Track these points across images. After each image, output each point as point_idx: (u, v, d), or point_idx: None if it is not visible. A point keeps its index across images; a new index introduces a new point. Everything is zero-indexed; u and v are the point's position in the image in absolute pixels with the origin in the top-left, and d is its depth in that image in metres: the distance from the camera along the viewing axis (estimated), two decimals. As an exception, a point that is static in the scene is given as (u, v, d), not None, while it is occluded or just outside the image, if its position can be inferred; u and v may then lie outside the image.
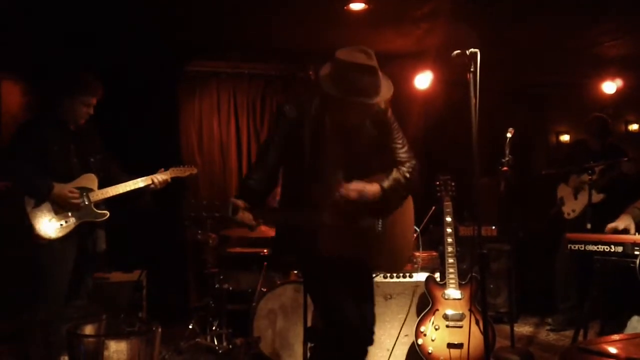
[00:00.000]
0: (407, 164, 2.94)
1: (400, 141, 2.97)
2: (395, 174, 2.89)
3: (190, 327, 4.62)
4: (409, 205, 3.09)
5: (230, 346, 4.39)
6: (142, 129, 5.63)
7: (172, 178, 4.11)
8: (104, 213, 3.87)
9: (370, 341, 2.93)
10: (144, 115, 5.68)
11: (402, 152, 2.95)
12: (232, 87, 6.36)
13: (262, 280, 4.60)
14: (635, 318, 3.63)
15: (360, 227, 2.90)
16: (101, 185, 3.89)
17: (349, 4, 4.75)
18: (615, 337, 2.02)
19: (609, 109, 6.36)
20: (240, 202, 2.73)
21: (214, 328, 4.57)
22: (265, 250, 4.94)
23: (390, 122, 2.96)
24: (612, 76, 6.48)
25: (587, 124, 5.55)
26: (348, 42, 5.79)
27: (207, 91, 6.30)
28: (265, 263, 4.70)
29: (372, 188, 2.81)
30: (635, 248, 3.44)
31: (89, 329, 2.85)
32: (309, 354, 3.56)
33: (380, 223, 2.95)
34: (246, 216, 2.77)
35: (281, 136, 2.84)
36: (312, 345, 3.48)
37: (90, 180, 3.86)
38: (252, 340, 4.16)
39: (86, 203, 3.80)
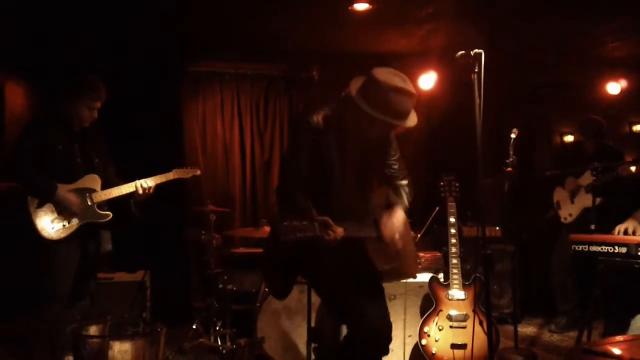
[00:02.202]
0: (406, 181, 3.12)
1: (398, 158, 3.12)
2: (404, 193, 3.09)
3: (194, 327, 4.62)
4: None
5: (234, 346, 4.39)
6: (146, 131, 5.63)
7: (175, 179, 4.11)
8: (107, 214, 3.87)
9: (387, 350, 2.92)
10: (147, 117, 5.68)
11: (400, 169, 3.12)
12: (236, 88, 6.37)
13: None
14: (639, 318, 3.62)
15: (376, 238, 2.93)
16: (103, 187, 3.89)
17: (353, 4, 4.75)
18: (619, 338, 2.01)
19: (612, 110, 6.35)
20: (327, 219, 2.67)
21: (217, 328, 4.58)
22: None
23: (393, 140, 3.09)
24: (616, 77, 6.47)
25: (581, 126, 5.54)
26: (352, 42, 5.85)
27: (210, 92, 6.31)
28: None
29: (402, 217, 2.97)
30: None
31: (93, 330, 2.85)
32: (312, 355, 3.56)
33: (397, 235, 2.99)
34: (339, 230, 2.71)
35: (306, 147, 2.81)
36: (316, 346, 3.48)
37: (93, 181, 3.87)
38: (256, 340, 4.15)
39: (89, 204, 3.80)
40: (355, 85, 2.80)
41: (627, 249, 3.50)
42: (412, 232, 4.77)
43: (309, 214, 2.62)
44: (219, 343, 4.49)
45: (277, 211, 3.01)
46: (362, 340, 2.77)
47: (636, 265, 3.42)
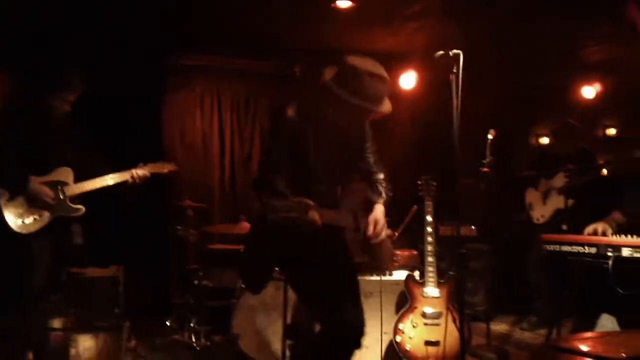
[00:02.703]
0: (382, 175, 3.13)
1: (374, 152, 3.16)
2: (381, 188, 3.09)
3: (168, 323, 4.60)
4: None
5: (209, 343, 4.39)
6: (124, 123, 5.59)
7: (153, 174, 4.08)
8: (79, 208, 3.82)
9: (360, 344, 2.95)
10: (126, 109, 5.64)
11: (377, 163, 3.15)
12: (217, 83, 6.35)
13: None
14: (604, 316, 3.71)
15: (353, 229, 2.97)
16: (79, 180, 3.84)
17: (335, 1, 4.76)
18: (586, 334, 2.07)
19: (587, 114, 6.45)
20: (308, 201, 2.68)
21: (192, 325, 4.56)
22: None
23: (369, 133, 3.12)
24: (593, 81, 6.56)
25: (557, 129, 5.63)
26: (336, 40, 5.84)
27: (191, 86, 6.29)
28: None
29: (383, 214, 2.99)
30: (609, 249, 3.51)
31: (57, 323, 2.84)
32: (288, 352, 3.59)
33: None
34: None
35: (283, 138, 2.84)
36: (292, 342, 3.50)
37: (66, 173, 3.81)
38: (231, 337, 4.15)
39: (61, 197, 3.74)
40: (329, 73, 2.82)
41: (597, 249, 3.57)
42: (388, 230, 4.84)
43: (290, 197, 2.66)
44: (194, 340, 4.48)
45: (256, 204, 3.02)
46: (336, 334, 2.80)
47: (605, 265, 3.50)
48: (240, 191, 6.32)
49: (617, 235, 3.79)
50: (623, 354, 1.68)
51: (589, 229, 3.94)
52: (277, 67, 6.28)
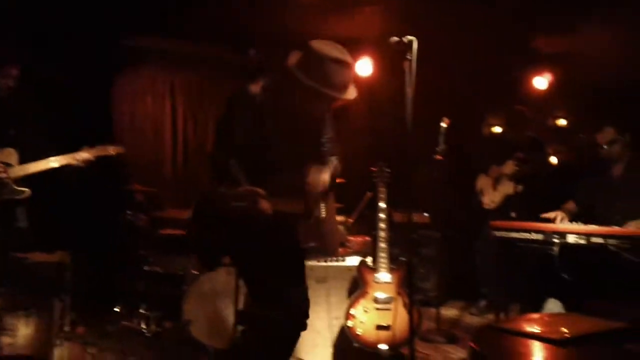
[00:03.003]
0: (336, 158, 3.11)
1: (332, 138, 3.13)
2: (336, 163, 3.06)
3: (117, 310, 4.53)
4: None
5: (159, 329, 4.34)
6: (73, 104, 5.43)
7: (98, 157, 3.98)
8: (24, 190, 3.71)
9: (304, 326, 2.96)
10: (76, 90, 5.48)
11: (334, 148, 3.12)
12: (171, 66, 6.25)
13: (195, 262, 4.56)
14: (551, 301, 3.81)
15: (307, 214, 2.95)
16: (24, 161, 3.72)
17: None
18: (530, 316, 2.12)
19: (539, 104, 6.57)
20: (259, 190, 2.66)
21: (142, 311, 4.50)
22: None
23: (328, 119, 3.09)
24: (544, 71, 6.68)
25: (505, 116, 5.74)
26: (291, 26, 5.78)
27: (143, 69, 6.17)
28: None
29: (327, 176, 2.93)
30: (555, 236, 3.61)
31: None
32: (239, 337, 3.57)
33: (323, 208, 3.01)
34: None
35: (241, 116, 2.80)
36: (243, 328, 3.48)
37: (9, 155, 3.69)
38: (183, 323, 4.11)
39: (4, 179, 3.63)
40: (293, 58, 2.79)
41: (544, 236, 3.67)
42: (342, 216, 4.85)
43: (241, 183, 2.62)
44: (144, 326, 4.42)
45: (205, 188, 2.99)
46: (281, 318, 2.81)
47: (551, 252, 3.59)
48: (192, 176, 6.24)
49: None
50: (566, 334, 1.72)
51: (546, 215, 4.05)
52: (233, 52, 6.20)
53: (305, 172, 2.89)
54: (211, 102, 6.37)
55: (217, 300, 4.16)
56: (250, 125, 2.77)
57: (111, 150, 4.09)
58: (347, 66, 2.75)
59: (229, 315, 3.93)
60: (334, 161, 3.10)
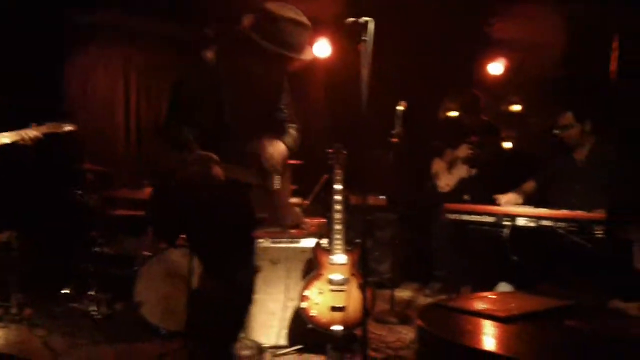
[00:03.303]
0: (295, 125, 3.09)
1: (289, 104, 3.11)
2: (294, 133, 3.06)
3: (66, 291, 4.44)
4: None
5: (110, 311, 4.27)
6: (24, 80, 5.27)
7: (47, 134, 3.87)
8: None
9: (250, 300, 2.96)
10: (26, 65, 5.31)
11: (291, 115, 3.11)
12: (124, 43, 6.10)
13: (147, 243, 4.49)
14: (502, 284, 3.88)
15: (261, 185, 2.94)
16: None
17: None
18: (473, 295, 2.15)
19: (493, 89, 6.66)
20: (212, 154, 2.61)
21: (91, 293, 4.42)
22: (151, 213, 4.81)
23: (286, 87, 3.08)
24: (499, 57, 6.76)
25: (460, 100, 5.81)
26: (248, 6, 5.68)
27: (96, 45, 6.00)
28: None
29: (283, 148, 2.95)
30: (505, 219, 3.68)
31: None
32: (192, 319, 3.54)
33: (278, 180, 3.01)
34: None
35: (195, 80, 2.75)
36: (196, 309, 3.45)
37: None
38: (134, 305, 4.06)
39: None
40: (247, 21, 2.75)
41: (495, 219, 3.73)
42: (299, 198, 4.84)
43: (194, 150, 2.58)
44: (93, 308, 4.35)
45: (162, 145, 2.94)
46: (229, 291, 2.80)
47: (501, 234, 3.65)
48: (146, 156, 6.13)
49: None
50: (510, 312, 1.75)
51: (500, 198, 4.11)
52: (189, 29, 6.08)
53: (261, 141, 2.88)
54: (165, 80, 6.25)
55: (170, 281, 4.11)
56: (204, 91, 2.74)
57: (61, 127, 3.98)
58: (303, 26, 2.74)
59: (182, 296, 3.89)
60: (292, 131, 3.09)
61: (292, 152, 3.08)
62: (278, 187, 3.03)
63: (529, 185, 4.51)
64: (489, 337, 1.60)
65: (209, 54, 2.77)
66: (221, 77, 2.76)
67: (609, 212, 3.31)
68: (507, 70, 6.79)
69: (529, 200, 4.32)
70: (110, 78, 6.06)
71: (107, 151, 5.95)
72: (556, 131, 4.35)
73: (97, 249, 4.48)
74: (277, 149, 2.94)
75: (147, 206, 4.46)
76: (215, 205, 2.76)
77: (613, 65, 2.29)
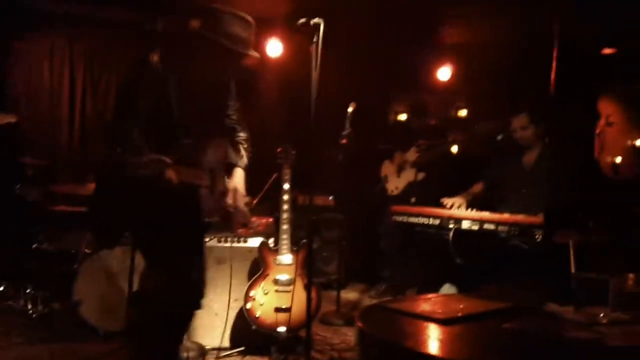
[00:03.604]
0: (245, 135, 3.13)
1: (238, 109, 3.14)
2: (243, 150, 3.12)
3: (1, 289, 4.29)
4: None
5: (47, 310, 4.15)
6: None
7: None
8: None
9: (199, 305, 2.93)
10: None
11: (240, 121, 3.14)
12: (70, 31, 5.92)
13: (87, 241, 4.38)
14: (446, 286, 3.93)
15: (208, 187, 2.92)
16: None
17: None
18: (415, 297, 2.17)
19: (441, 94, 6.77)
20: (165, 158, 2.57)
21: (28, 291, 4.29)
22: (93, 210, 4.69)
23: (233, 90, 3.10)
24: (448, 62, 6.87)
25: (409, 104, 5.89)
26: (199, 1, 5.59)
27: (40, 33, 5.82)
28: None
29: (243, 181, 3.05)
30: (450, 222, 3.73)
31: None
32: (133, 319, 3.46)
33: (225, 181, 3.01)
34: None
35: (143, 84, 2.71)
36: (137, 309, 3.38)
37: None
38: (72, 304, 3.95)
39: None
40: (195, 22, 2.77)
41: (440, 221, 3.78)
42: (247, 197, 4.80)
43: (145, 152, 2.54)
44: (30, 306, 4.21)
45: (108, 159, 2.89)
46: (176, 295, 2.75)
47: (446, 237, 3.71)
48: (91, 149, 5.98)
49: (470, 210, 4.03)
50: (450, 314, 1.77)
51: (447, 201, 4.16)
52: (139, 20, 5.95)
53: (210, 143, 2.87)
54: (111, 71, 6.11)
55: (111, 280, 4.03)
56: (150, 95, 2.71)
57: (2, 118, 3.86)
58: (248, 23, 2.81)
59: (122, 296, 3.81)
60: (241, 133, 3.09)
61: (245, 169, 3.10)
62: (227, 188, 3.02)
63: (478, 187, 4.57)
64: (428, 339, 1.62)
65: (155, 57, 2.74)
66: (167, 81, 2.75)
67: (546, 216, 3.39)
68: (455, 75, 6.91)
69: (477, 202, 4.38)
70: (55, 69, 5.87)
71: (50, 145, 5.77)
72: (499, 137, 4.40)
73: (36, 245, 4.34)
74: (238, 183, 3.02)
75: (89, 202, 4.35)
76: (166, 207, 2.73)
77: (553, 74, 2.35)
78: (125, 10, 5.91)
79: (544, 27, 2.39)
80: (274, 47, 6.27)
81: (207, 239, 4.04)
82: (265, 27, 6.09)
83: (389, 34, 6.28)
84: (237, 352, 3.92)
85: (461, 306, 1.92)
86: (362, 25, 5.95)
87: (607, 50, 5.18)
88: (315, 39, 3.01)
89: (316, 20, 3.01)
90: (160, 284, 2.83)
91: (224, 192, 3.00)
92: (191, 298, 2.88)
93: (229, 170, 3.06)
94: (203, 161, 2.90)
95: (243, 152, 3.12)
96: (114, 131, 2.76)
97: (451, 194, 4.50)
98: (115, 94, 5.99)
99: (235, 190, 3.01)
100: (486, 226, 3.64)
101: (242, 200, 3.04)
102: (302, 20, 3.02)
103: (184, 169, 2.69)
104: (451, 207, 4.19)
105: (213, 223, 3.04)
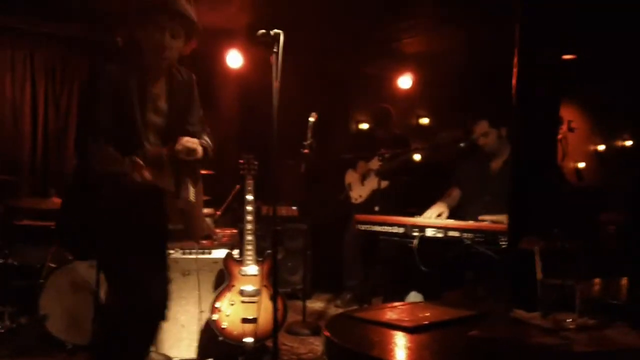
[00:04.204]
0: (207, 137, 3.04)
1: (201, 119, 3.07)
2: (207, 140, 2.99)
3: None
4: None
5: (13, 325, 4.09)
6: None
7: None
8: None
9: (163, 317, 2.91)
10: None
11: (203, 130, 3.06)
12: (30, 46, 5.85)
13: (52, 255, 4.33)
14: (412, 294, 3.99)
15: (173, 194, 2.88)
16: None
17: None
18: (381, 305, 2.21)
19: (403, 102, 6.88)
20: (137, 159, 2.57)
21: (-7, 307, 4.22)
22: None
23: (196, 95, 3.04)
24: (408, 71, 6.99)
25: (371, 114, 5.97)
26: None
27: (1, 47, 5.73)
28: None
29: (199, 147, 2.88)
30: (414, 229, 3.77)
31: None
32: (99, 332, 3.43)
33: (192, 192, 2.97)
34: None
35: (104, 93, 2.66)
36: (103, 322, 3.35)
37: None
38: (39, 318, 3.91)
39: None
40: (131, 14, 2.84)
41: (404, 229, 3.83)
42: (210, 208, 4.80)
43: (117, 159, 2.54)
44: (-5, 322, 4.15)
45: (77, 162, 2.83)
46: (140, 306, 2.74)
47: (410, 245, 3.75)
48: (53, 163, 5.90)
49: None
50: (415, 322, 1.82)
51: (429, 213, 4.17)
52: (99, 34, 5.90)
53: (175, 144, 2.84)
54: (73, 83, 6.05)
55: (77, 294, 4.00)
56: (111, 99, 2.67)
57: None
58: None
59: (89, 309, 3.77)
60: (206, 141, 3.05)
61: (205, 160, 3.04)
62: (192, 199, 2.99)
63: (454, 192, 4.53)
64: (395, 348, 1.66)
65: (112, 66, 2.72)
66: (127, 85, 2.71)
67: (510, 223, 3.44)
68: (416, 83, 7.04)
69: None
70: (17, 83, 5.79)
71: (13, 159, 5.68)
72: (462, 144, 4.38)
73: (1, 260, 4.27)
74: (193, 141, 2.90)
75: (57, 216, 4.28)
76: (132, 211, 2.69)
77: (514, 80, 2.43)
78: (85, 26, 5.85)
79: (504, 33, 2.48)
80: (234, 58, 6.32)
81: (171, 250, 4.05)
82: (225, 38, 6.12)
83: (349, 44, 6.38)
84: (204, 363, 3.93)
85: (427, 314, 1.97)
86: (322, 35, 6.03)
87: (568, 56, 5.32)
88: (275, 50, 3.06)
89: (276, 31, 3.07)
90: (123, 296, 2.81)
91: (190, 202, 2.96)
92: (156, 309, 2.85)
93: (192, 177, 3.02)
94: (167, 166, 2.87)
95: (204, 141, 3.01)
96: (79, 141, 2.71)
97: (415, 203, 4.54)
98: (76, 105, 5.95)
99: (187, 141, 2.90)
100: (450, 233, 3.66)
101: (195, 149, 2.90)
102: (262, 31, 3.07)
103: (152, 170, 2.67)
104: (438, 217, 4.16)
105: (175, 231, 2.99)
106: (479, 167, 4.41)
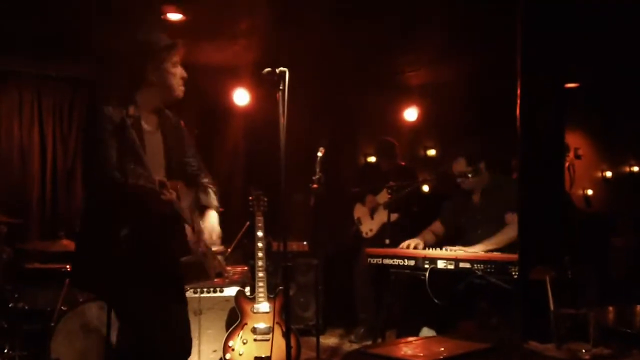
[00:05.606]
0: (208, 179, 3.08)
1: (195, 155, 3.08)
2: (212, 193, 3.04)
3: (-24, 350, 4.19)
4: None
5: (24, 370, 4.06)
6: None
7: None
8: None
9: (189, 352, 2.86)
10: None
11: (200, 167, 3.08)
12: (37, 89, 5.92)
13: (63, 298, 4.31)
14: (424, 329, 3.95)
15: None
16: None
17: (165, 13, 4.67)
18: (396, 340, 2.18)
19: (409, 135, 6.91)
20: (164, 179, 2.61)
21: (6, 351, 4.19)
22: (68, 266, 4.63)
23: (185, 135, 3.05)
24: (414, 103, 7.04)
25: (376, 147, 5.99)
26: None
27: (7, 92, 5.81)
28: (68, 280, 4.41)
29: (217, 223, 2.98)
30: (426, 262, 3.76)
31: None
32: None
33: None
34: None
35: (109, 136, 2.66)
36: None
37: None
38: (49, 362, 3.88)
39: None
40: None
41: (415, 262, 3.81)
42: (221, 245, 4.79)
43: (147, 185, 2.55)
44: (7, 367, 4.12)
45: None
46: (162, 353, 2.70)
47: (422, 277, 3.73)
48: (62, 205, 5.93)
49: (432, 248, 4.06)
50: (431, 356, 1.80)
51: (403, 244, 4.19)
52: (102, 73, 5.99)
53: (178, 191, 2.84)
54: (81, 125, 6.11)
55: (88, 336, 3.97)
56: (116, 137, 2.66)
57: None
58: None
59: (100, 352, 3.75)
60: (205, 178, 3.06)
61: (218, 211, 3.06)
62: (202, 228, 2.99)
63: (435, 226, 4.56)
64: (412, 383, 1.64)
65: (110, 109, 2.71)
66: (127, 131, 2.70)
67: (521, 253, 3.41)
68: (422, 115, 7.07)
69: (442, 241, 4.39)
70: (25, 126, 5.86)
71: (22, 202, 5.71)
72: (469, 175, 4.39)
73: (11, 304, 4.26)
74: (214, 223, 2.98)
75: (72, 258, 4.27)
76: (157, 230, 2.69)
77: (518, 110, 2.45)
78: (92, 67, 5.94)
79: (507, 63, 2.50)
80: (241, 96, 6.37)
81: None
82: (231, 76, 6.19)
83: (353, 79, 6.44)
84: (218, 403, 3.88)
85: (442, 349, 1.95)
86: (327, 71, 6.09)
87: (571, 85, 5.34)
88: (281, 87, 3.09)
89: (282, 69, 3.10)
90: (139, 340, 2.77)
91: (201, 232, 2.94)
92: (182, 344, 2.81)
93: (200, 213, 3.02)
94: (184, 198, 2.86)
95: (213, 195, 3.05)
96: (97, 181, 2.71)
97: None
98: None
99: (212, 230, 2.94)
100: (462, 265, 3.66)
101: (219, 240, 2.98)
102: (268, 69, 3.11)
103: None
104: (407, 247, 4.16)
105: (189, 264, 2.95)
106: (463, 199, 4.48)
